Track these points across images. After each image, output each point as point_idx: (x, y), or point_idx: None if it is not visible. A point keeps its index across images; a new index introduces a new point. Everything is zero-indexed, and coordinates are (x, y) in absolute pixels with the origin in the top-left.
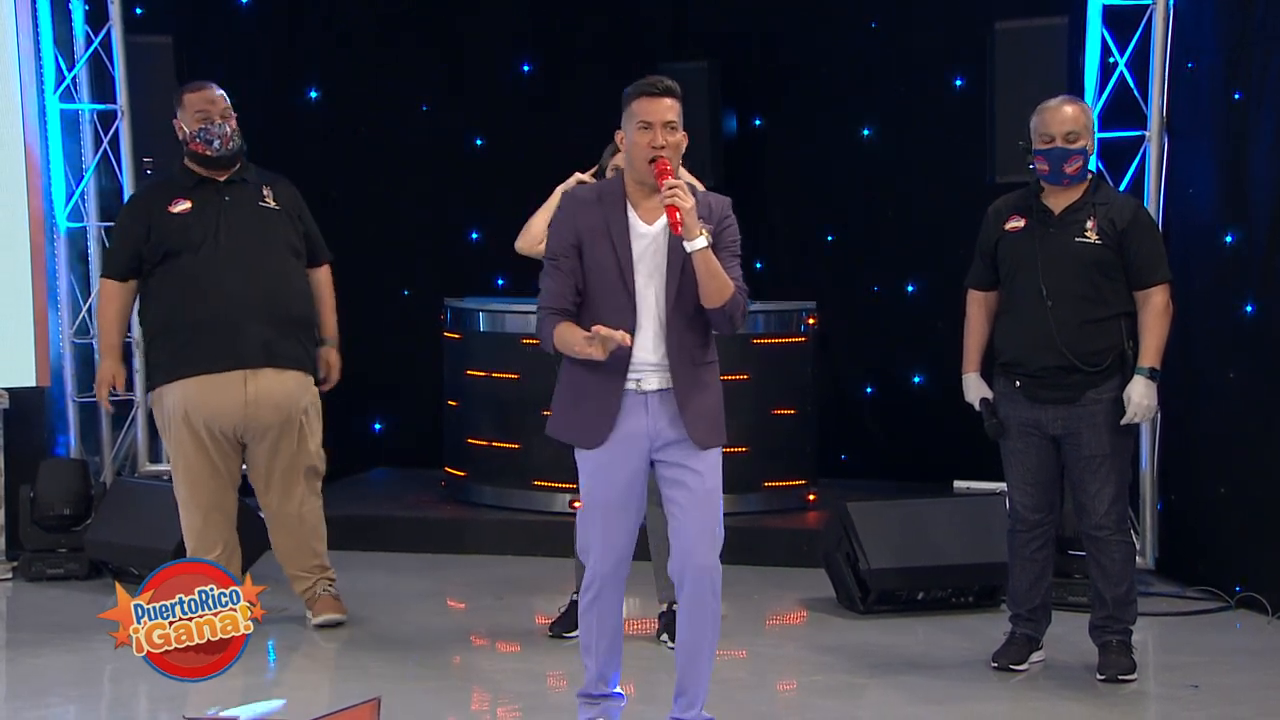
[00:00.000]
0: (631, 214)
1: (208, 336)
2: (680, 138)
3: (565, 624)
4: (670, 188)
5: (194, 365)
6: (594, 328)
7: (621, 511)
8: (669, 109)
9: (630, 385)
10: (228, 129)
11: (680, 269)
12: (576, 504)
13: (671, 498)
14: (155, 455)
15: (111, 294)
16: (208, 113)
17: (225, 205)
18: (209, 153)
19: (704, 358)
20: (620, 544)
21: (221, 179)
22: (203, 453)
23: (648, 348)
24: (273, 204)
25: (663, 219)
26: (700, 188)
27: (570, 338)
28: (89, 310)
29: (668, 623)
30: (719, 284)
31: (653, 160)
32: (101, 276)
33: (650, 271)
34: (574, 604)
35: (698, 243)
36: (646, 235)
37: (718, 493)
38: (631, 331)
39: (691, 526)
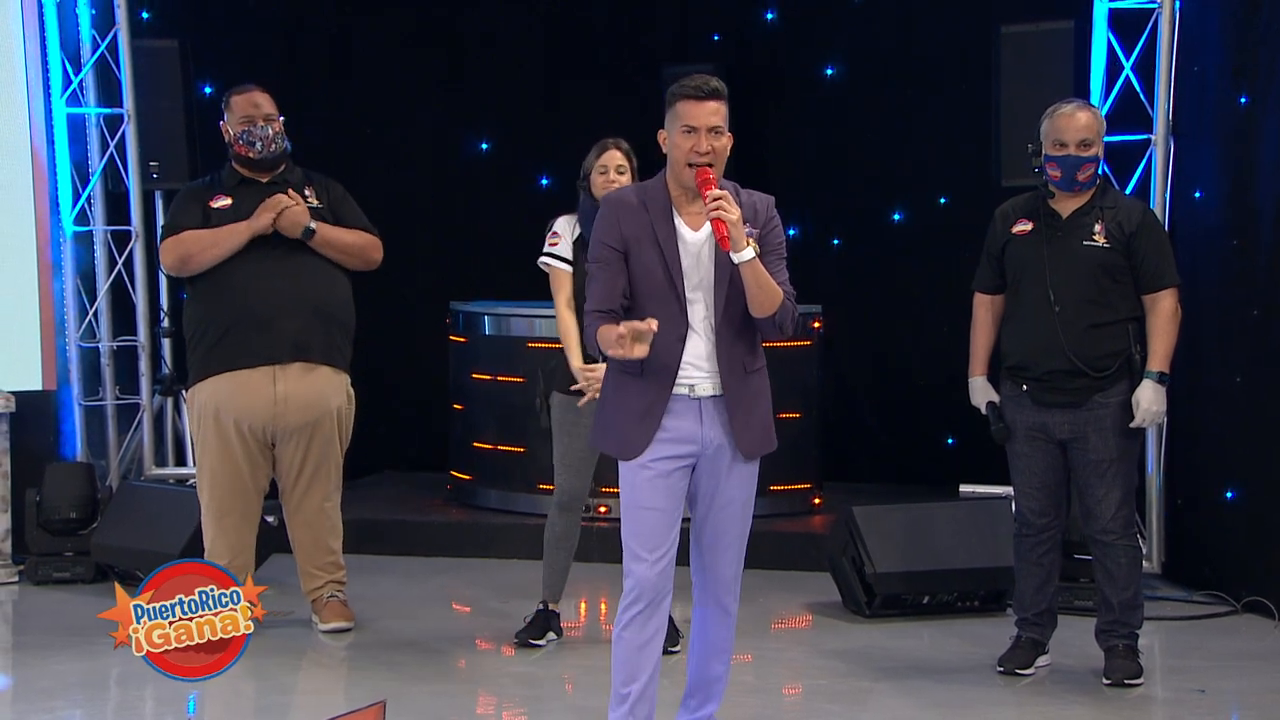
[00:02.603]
0: (677, 219)
1: (240, 334)
2: (725, 141)
3: (533, 631)
4: (714, 199)
5: (225, 362)
6: (620, 328)
7: (673, 516)
8: (714, 113)
9: (683, 390)
10: (270, 131)
11: (729, 278)
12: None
13: (708, 509)
14: (161, 459)
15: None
16: (251, 116)
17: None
18: (251, 154)
19: (754, 364)
20: (670, 549)
21: (264, 180)
22: (229, 454)
23: (700, 355)
24: (315, 203)
25: (708, 225)
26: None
27: (605, 338)
28: (95, 314)
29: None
30: (768, 294)
31: (692, 165)
32: (163, 239)
33: (698, 280)
34: (540, 612)
35: (745, 254)
36: (693, 242)
37: (751, 507)
38: (683, 339)
39: (726, 545)
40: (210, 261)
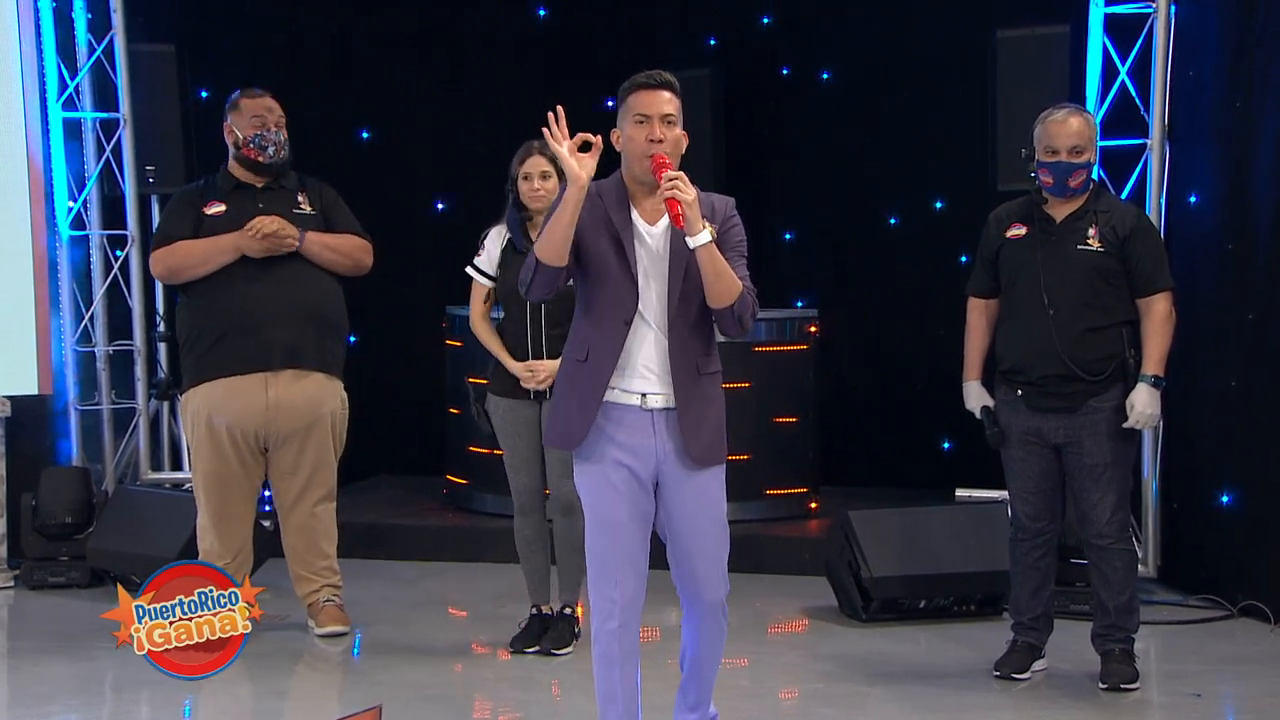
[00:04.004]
0: (633, 212)
1: (232, 341)
2: (679, 134)
3: (527, 638)
4: (670, 179)
5: (217, 369)
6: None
7: (638, 529)
8: (667, 102)
9: (634, 400)
10: (281, 137)
11: (684, 271)
12: None
13: (676, 520)
14: (157, 463)
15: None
16: (264, 119)
17: (260, 212)
18: (262, 159)
19: (707, 367)
20: (642, 564)
21: (259, 185)
22: (223, 458)
23: (651, 360)
24: (308, 209)
25: (665, 219)
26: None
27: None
28: (91, 318)
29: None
30: (725, 283)
31: (647, 155)
32: (154, 248)
33: (653, 271)
34: (533, 617)
35: (701, 237)
36: (649, 235)
37: (724, 515)
38: (629, 322)
39: (702, 557)
40: (199, 275)
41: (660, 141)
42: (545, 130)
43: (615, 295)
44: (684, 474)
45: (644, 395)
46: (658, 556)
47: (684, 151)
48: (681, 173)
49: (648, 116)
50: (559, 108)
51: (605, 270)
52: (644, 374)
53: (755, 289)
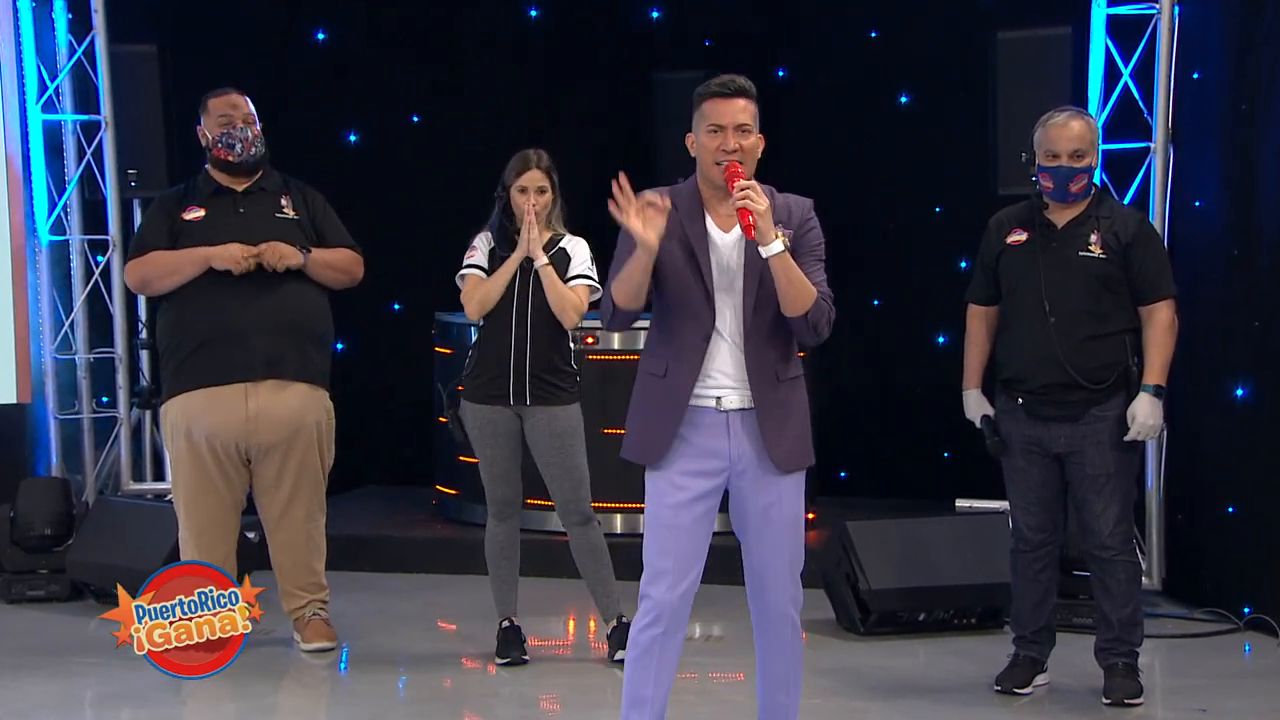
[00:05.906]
0: (708, 220)
1: (211, 350)
2: (754, 141)
3: (512, 651)
4: (742, 189)
5: (196, 379)
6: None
7: (699, 537)
8: (742, 110)
9: (709, 403)
10: (249, 134)
11: (759, 279)
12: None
13: (750, 527)
14: (139, 473)
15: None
16: (230, 117)
17: (240, 217)
18: (231, 158)
19: (786, 373)
20: (694, 572)
21: (240, 188)
22: (202, 469)
23: (727, 364)
24: (290, 214)
25: (739, 228)
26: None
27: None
28: (71, 325)
29: (620, 638)
30: (798, 290)
31: (720, 164)
32: (130, 258)
33: (727, 282)
34: (505, 629)
35: (773, 247)
36: (723, 244)
37: (800, 522)
38: (707, 338)
39: (776, 563)
40: (170, 287)
41: (735, 151)
42: (611, 202)
43: (692, 311)
44: (762, 478)
45: (719, 398)
46: None
47: (760, 155)
48: (754, 182)
49: (721, 126)
50: (621, 176)
51: (681, 285)
52: (721, 378)
53: (832, 294)
